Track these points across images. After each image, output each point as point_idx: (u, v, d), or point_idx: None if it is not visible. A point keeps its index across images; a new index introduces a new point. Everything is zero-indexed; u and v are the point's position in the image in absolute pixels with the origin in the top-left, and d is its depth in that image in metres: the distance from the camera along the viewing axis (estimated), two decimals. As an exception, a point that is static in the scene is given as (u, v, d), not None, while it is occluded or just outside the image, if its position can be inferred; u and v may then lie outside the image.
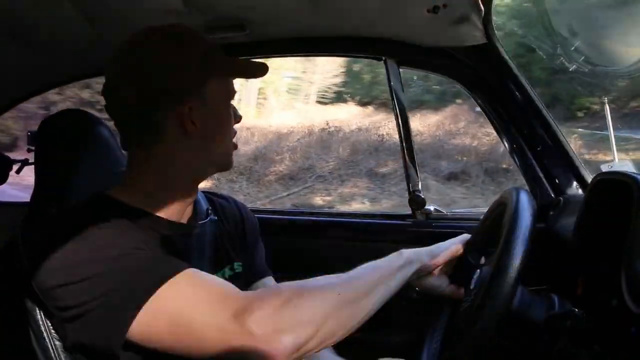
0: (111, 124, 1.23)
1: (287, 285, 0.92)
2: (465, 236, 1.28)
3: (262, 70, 1.16)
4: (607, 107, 1.69)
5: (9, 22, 1.65)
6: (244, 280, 1.26)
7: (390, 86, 1.89)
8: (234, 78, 1.16)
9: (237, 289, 0.90)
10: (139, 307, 0.83)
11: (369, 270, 1.03)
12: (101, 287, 0.85)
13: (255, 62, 1.20)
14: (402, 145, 1.93)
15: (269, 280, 1.34)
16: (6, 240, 1.47)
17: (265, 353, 0.83)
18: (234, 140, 1.16)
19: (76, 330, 0.90)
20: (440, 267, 1.23)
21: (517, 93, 1.72)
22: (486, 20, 1.58)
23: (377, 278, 1.01)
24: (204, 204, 1.25)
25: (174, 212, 1.11)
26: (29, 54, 1.87)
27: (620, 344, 0.91)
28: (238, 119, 1.16)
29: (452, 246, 1.24)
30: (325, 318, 0.88)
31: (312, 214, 2.18)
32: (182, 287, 0.87)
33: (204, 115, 1.05)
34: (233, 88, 1.15)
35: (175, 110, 1.03)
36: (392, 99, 1.90)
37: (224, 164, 1.15)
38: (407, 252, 1.12)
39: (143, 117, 1.04)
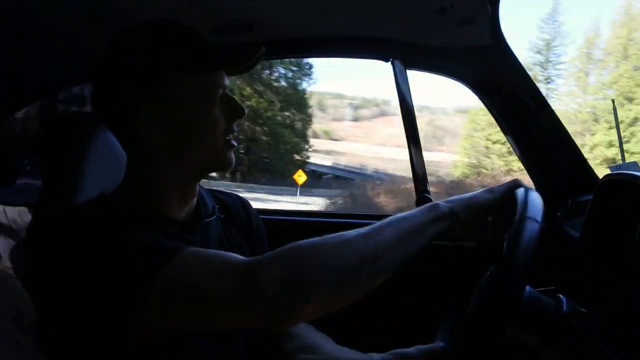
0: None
1: (298, 245, 0.87)
2: (516, 182, 1.06)
3: (246, 58, 1.06)
4: (614, 107, 1.68)
5: (14, 22, 1.66)
6: None
7: (397, 87, 1.89)
8: (207, 72, 1.05)
9: (242, 257, 0.90)
10: (149, 288, 0.83)
11: (392, 225, 0.94)
12: (105, 282, 0.85)
13: (240, 47, 1.10)
14: (409, 147, 1.93)
15: None
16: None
17: (275, 315, 0.84)
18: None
19: (81, 330, 0.90)
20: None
21: (524, 93, 1.71)
22: (493, 21, 1.58)
23: (401, 234, 0.93)
24: (209, 202, 1.23)
25: (175, 210, 1.10)
26: (33, 55, 1.89)
27: (628, 343, 0.90)
28: (238, 113, 1.09)
29: (490, 202, 1.04)
30: (340, 278, 0.85)
31: (316, 214, 2.18)
32: (187, 262, 0.86)
33: (169, 116, 1.02)
34: (213, 83, 1.05)
35: (137, 113, 1.02)
36: (400, 101, 1.90)
37: (215, 165, 1.10)
38: (441, 207, 0.99)
39: (115, 121, 1.07)
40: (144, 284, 0.83)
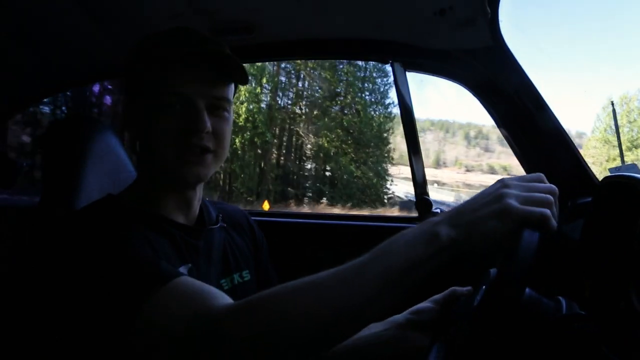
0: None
1: (266, 299, 0.77)
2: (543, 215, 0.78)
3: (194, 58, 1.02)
4: (614, 109, 1.68)
5: (18, 24, 1.66)
6: (254, 288, 1.27)
7: (397, 89, 1.89)
8: (161, 81, 1.02)
9: (222, 301, 0.82)
10: (132, 315, 0.81)
11: (377, 263, 0.76)
12: (98, 296, 0.84)
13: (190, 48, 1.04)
14: (409, 149, 1.93)
15: None
16: (15, 241, 1.47)
17: None
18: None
19: (73, 335, 0.89)
20: None
21: (524, 95, 1.71)
22: (493, 23, 1.58)
23: (387, 276, 0.74)
24: (213, 211, 1.26)
25: (178, 214, 1.13)
26: (36, 56, 1.89)
27: (627, 346, 0.90)
28: (195, 126, 1.01)
29: (498, 233, 0.77)
30: (308, 341, 0.75)
31: (317, 216, 2.18)
32: (170, 296, 0.83)
33: (136, 122, 1.09)
34: (166, 92, 1.02)
35: (126, 115, 1.10)
36: (399, 103, 1.91)
37: (171, 180, 1.07)
38: (441, 236, 0.75)
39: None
40: (133, 304, 0.82)
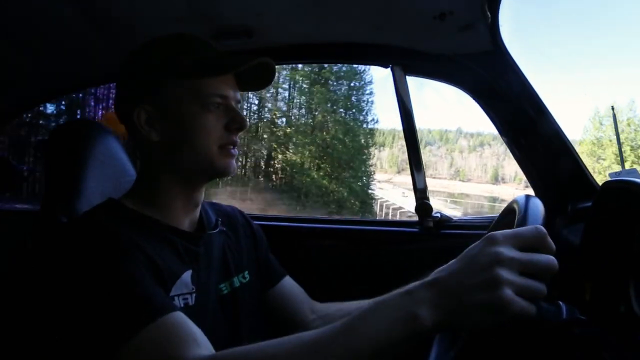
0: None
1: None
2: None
3: (232, 66, 1.11)
4: (614, 114, 1.69)
5: (17, 30, 1.67)
6: (255, 287, 1.29)
7: (397, 94, 1.89)
8: (200, 80, 1.08)
9: (195, 348, 0.81)
10: (120, 344, 0.81)
11: (342, 343, 0.68)
12: (84, 323, 0.84)
13: (237, 56, 1.13)
14: (409, 153, 1.93)
15: (288, 279, 1.41)
16: (15, 246, 1.47)
17: None
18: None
19: (66, 345, 0.89)
20: None
21: (524, 100, 1.71)
22: (493, 27, 1.58)
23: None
24: (213, 215, 1.28)
25: (180, 219, 1.13)
26: (36, 61, 1.89)
27: (628, 350, 0.90)
28: (236, 124, 1.12)
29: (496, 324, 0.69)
30: None
31: (318, 221, 2.18)
32: (148, 340, 0.81)
33: (163, 119, 1.08)
34: (207, 91, 1.08)
35: (137, 112, 1.08)
36: (399, 108, 1.90)
37: (210, 170, 1.11)
38: (422, 318, 0.67)
39: (125, 121, 1.12)
40: (113, 344, 0.81)
